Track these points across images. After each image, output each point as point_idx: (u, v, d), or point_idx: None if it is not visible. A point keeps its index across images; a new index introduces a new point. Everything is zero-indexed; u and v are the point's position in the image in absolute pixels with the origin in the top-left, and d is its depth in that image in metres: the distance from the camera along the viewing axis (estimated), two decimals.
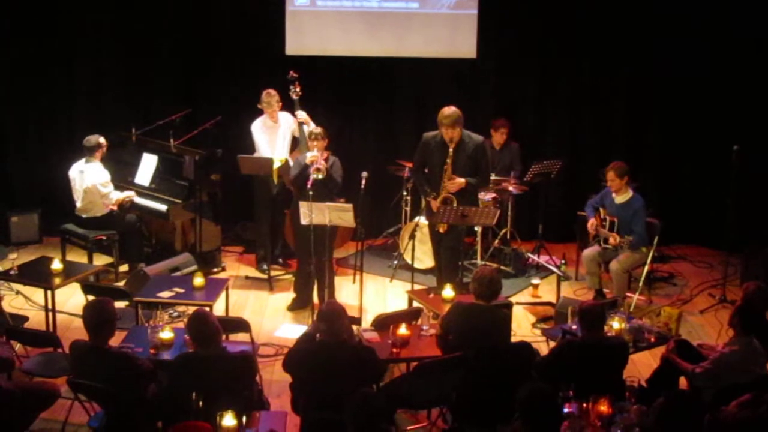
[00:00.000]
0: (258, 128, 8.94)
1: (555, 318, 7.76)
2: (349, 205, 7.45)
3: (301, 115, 8.77)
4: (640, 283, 8.45)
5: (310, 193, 7.44)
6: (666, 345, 6.39)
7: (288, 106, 8.89)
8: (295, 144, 8.97)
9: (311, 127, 8.77)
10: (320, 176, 7.62)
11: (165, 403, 5.46)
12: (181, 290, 7.16)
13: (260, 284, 8.91)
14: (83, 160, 8.76)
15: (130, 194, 8.97)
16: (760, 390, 5.24)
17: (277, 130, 8.95)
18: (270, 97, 8.82)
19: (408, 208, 9.64)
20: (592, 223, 8.40)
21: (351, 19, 10.11)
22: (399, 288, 8.77)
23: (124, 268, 8.96)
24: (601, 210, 8.39)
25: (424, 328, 6.44)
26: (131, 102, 10.13)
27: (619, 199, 8.28)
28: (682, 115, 10.19)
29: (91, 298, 6.62)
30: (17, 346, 6.73)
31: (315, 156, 7.71)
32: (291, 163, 8.60)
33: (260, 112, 8.94)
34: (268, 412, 5.63)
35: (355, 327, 6.46)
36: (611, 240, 8.12)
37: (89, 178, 8.66)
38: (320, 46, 10.09)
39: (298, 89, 8.71)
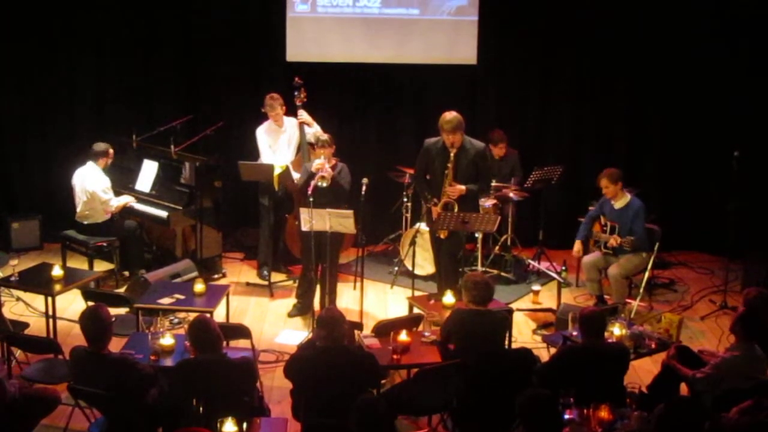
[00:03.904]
0: (262, 133, 8.95)
1: (555, 324, 7.76)
2: (350, 212, 7.46)
3: (303, 115, 8.77)
4: (641, 290, 8.44)
5: (311, 199, 7.45)
6: (667, 351, 6.39)
7: (291, 111, 8.90)
8: (300, 150, 8.97)
9: (314, 128, 8.81)
10: (324, 184, 7.62)
11: (165, 409, 5.46)
12: (182, 297, 7.15)
13: (261, 290, 8.91)
14: (85, 165, 8.77)
15: (129, 200, 8.98)
16: (760, 396, 5.25)
17: (282, 134, 8.96)
18: (273, 100, 8.83)
19: (408, 215, 9.65)
20: (577, 249, 8.45)
21: (351, 26, 10.12)
22: (399, 294, 8.77)
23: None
24: (601, 218, 8.40)
25: (426, 333, 6.44)
26: (132, 108, 10.13)
27: (618, 204, 8.29)
28: (682, 121, 10.19)
29: (91, 304, 6.61)
30: (18, 353, 6.73)
31: (321, 163, 7.72)
32: (292, 170, 8.61)
33: (264, 118, 8.95)
34: (268, 419, 5.63)
35: (356, 332, 6.47)
36: (611, 241, 8.12)
37: (90, 185, 8.68)
38: (321, 53, 10.09)
39: (302, 95, 8.72)
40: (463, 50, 10.12)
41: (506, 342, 6.75)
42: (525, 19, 10.13)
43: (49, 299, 7.33)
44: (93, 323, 5.52)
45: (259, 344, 7.32)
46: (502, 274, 9.31)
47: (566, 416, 5.24)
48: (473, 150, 7.63)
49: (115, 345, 6.13)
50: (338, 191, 7.80)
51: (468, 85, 10.34)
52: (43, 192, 10.23)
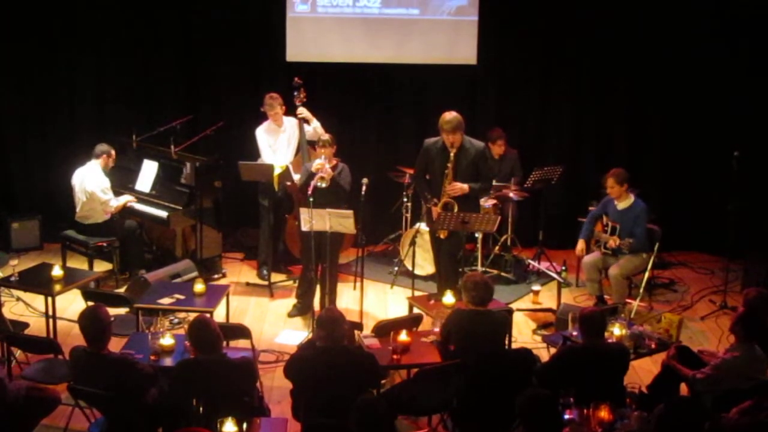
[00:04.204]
0: (262, 132, 8.95)
1: (555, 324, 7.76)
2: (350, 212, 7.45)
3: (303, 111, 8.76)
4: (641, 290, 8.44)
5: (311, 199, 7.45)
6: (667, 351, 6.39)
7: (291, 112, 8.90)
8: (300, 149, 8.97)
9: (315, 123, 8.80)
10: (323, 184, 7.62)
11: (165, 409, 5.46)
12: (182, 297, 7.15)
13: (261, 290, 8.91)
14: (85, 165, 8.78)
15: (128, 199, 8.98)
16: (760, 396, 5.24)
17: (282, 134, 8.96)
18: (272, 99, 8.83)
19: (408, 215, 9.65)
20: (580, 248, 8.41)
21: (351, 26, 10.12)
22: (399, 294, 8.78)
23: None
24: (604, 217, 8.40)
25: (436, 330, 6.42)
26: (132, 108, 10.14)
27: (622, 205, 8.29)
28: (682, 121, 10.20)
29: (91, 304, 6.61)
30: (18, 353, 6.74)
31: (321, 164, 7.72)
32: (292, 171, 8.60)
33: (264, 118, 8.95)
34: (268, 419, 5.63)
35: (356, 332, 6.47)
36: (610, 242, 8.12)
37: (90, 185, 8.68)
38: (321, 53, 10.09)
39: (302, 95, 8.73)
40: (463, 50, 10.12)
41: (506, 342, 6.75)
42: (525, 19, 10.13)
43: (49, 299, 7.33)
44: (92, 323, 5.51)
45: (259, 344, 7.32)
46: (502, 274, 9.31)
47: (566, 416, 5.24)
48: (473, 150, 7.62)
49: (115, 345, 6.13)
50: (338, 192, 7.80)
51: (468, 85, 10.34)
52: (43, 192, 10.24)
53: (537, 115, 10.44)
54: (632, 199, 8.30)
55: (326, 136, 7.97)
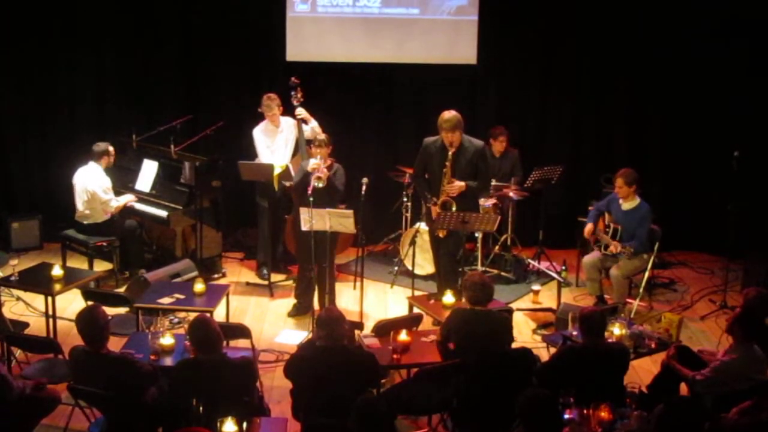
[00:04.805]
0: (259, 133, 8.95)
1: (555, 324, 7.76)
2: (350, 212, 7.45)
3: (301, 111, 8.75)
4: (641, 289, 8.44)
5: (311, 199, 7.44)
6: (666, 351, 6.39)
7: (289, 112, 8.90)
8: (298, 149, 8.97)
9: (312, 123, 8.78)
10: (320, 184, 7.61)
11: (165, 409, 5.46)
12: (182, 296, 7.15)
13: (261, 290, 8.91)
14: (87, 165, 8.78)
15: (129, 198, 8.97)
16: (760, 396, 5.24)
17: (279, 134, 8.95)
18: (270, 100, 8.82)
19: (408, 214, 9.65)
20: (589, 229, 8.40)
21: (351, 25, 10.12)
22: (399, 294, 8.78)
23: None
24: (606, 216, 8.39)
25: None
26: (132, 108, 10.14)
27: (626, 205, 8.28)
28: (682, 121, 10.20)
29: (89, 305, 6.61)
30: (18, 353, 6.73)
31: (317, 163, 7.71)
32: (291, 170, 8.60)
33: (262, 118, 8.95)
34: (268, 418, 5.63)
35: (356, 332, 6.47)
36: (611, 248, 8.12)
37: (91, 185, 8.68)
38: (321, 52, 10.09)
39: (299, 95, 8.72)
40: (463, 50, 10.11)
41: (511, 339, 6.72)
42: (525, 19, 10.13)
43: (49, 299, 7.33)
44: (88, 325, 5.51)
45: (259, 344, 7.32)
46: (502, 274, 9.31)
47: (566, 416, 5.24)
48: (472, 149, 7.62)
49: (115, 344, 6.13)
50: (333, 192, 7.78)
51: (468, 85, 10.33)
52: (43, 192, 10.24)
53: (537, 115, 10.44)
54: (637, 201, 8.28)
55: (322, 136, 7.94)
